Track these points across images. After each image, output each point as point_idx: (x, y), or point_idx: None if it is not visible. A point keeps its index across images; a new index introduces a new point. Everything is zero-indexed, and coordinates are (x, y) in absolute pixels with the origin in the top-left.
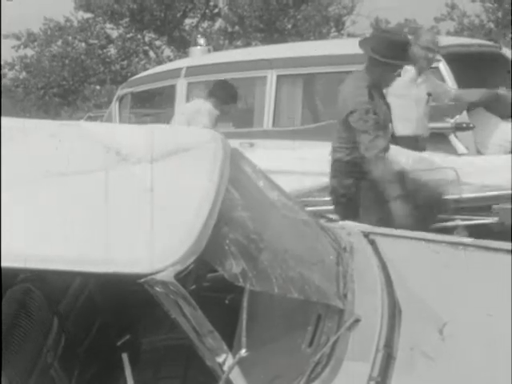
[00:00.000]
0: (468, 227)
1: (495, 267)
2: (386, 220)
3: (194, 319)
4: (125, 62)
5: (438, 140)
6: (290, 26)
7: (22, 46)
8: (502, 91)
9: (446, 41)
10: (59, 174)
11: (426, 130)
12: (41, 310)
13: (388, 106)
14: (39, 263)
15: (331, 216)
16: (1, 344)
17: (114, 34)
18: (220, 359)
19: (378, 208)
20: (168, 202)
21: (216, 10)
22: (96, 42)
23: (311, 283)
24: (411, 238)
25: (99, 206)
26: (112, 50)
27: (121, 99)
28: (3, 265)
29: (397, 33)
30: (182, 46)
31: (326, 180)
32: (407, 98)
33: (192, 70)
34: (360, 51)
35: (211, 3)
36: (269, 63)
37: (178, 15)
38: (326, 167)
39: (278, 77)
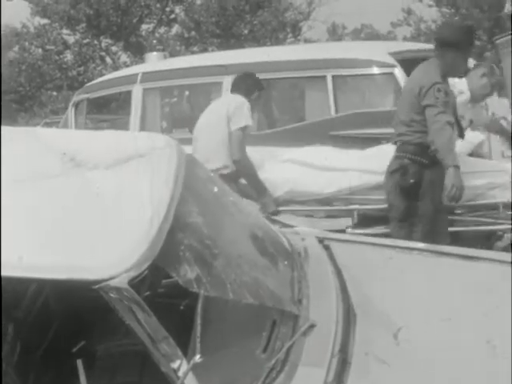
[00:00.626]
0: None
1: (450, 272)
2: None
3: (148, 325)
4: (81, 68)
5: None
6: (246, 32)
7: None
8: (504, 123)
9: (401, 46)
10: (14, 180)
11: None
12: None
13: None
14: None
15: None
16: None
17: (71, 39)
18: (174, 365)
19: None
20: (123, 208)
21: (172, 16)
22: (53, 47)
23: (266, 288)
24: (366, 244)
25: (54, 213)
26: (69, 56)
27: (77, 105)
28: None
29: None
30: (139, 51)
31: (375, 178)
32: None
33: (148, 76)
34: (316, 57)
35: (167, 9)
36: (224, 69)
37: (135, 21)
38: (377, 165)
39: None
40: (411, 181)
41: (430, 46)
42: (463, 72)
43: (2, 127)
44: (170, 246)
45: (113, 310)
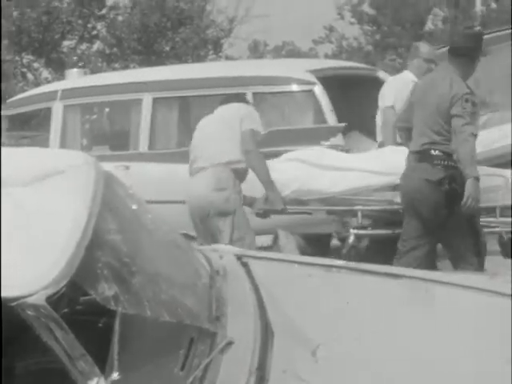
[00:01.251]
0: None
1: (369, 290)
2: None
3: (65, 342)
4: (3, 84)
5: None
6: (168, 49)
7: None
8: None
9: (322, 64)
10: None
11: None
12: None
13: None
14: None
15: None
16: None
17: None
18: (92, 382)
19: None
20: (40, 225)
21: (94, 32)
22: None
23: (184, 306)
24: (285, 261)
25: None
26: None
27: None
28: None
29: (473, 26)
30: (60, 68)
31: (381, 179)
32: None
33: (68, 93)
34: (236, 74)
35: (89, 25)
36: (145, 86)
37: (56, 37)
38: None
39: (154, 99)
40: (460, 189)
41: (351, 64)
42: (470, 77)
43: None
44: (88, 263)
45: (31, 327)
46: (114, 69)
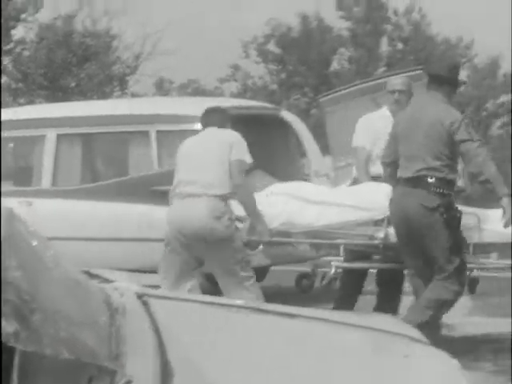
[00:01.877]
0: None
1: (268, 329)
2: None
3: None
4: None
5: None
6: (73, 85)
7: None
8: None
9: (226, 102)
10: None
11: None
12: None
13: None
14: None
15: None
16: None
17: None
18: None
19: None
20: None
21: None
22: None
23: (83, 344)
24: (185, 300)
25: None
26: None
27: None
28: None
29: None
30: None
31: (365, 214)
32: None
33: None
34: (140, 112)
35: None
36: (49, 122)
37: None
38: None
39: (58, 136)
40: (458, 215)
41: (254, 103)
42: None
43: None
44: None
45: None
46: (20, 104)
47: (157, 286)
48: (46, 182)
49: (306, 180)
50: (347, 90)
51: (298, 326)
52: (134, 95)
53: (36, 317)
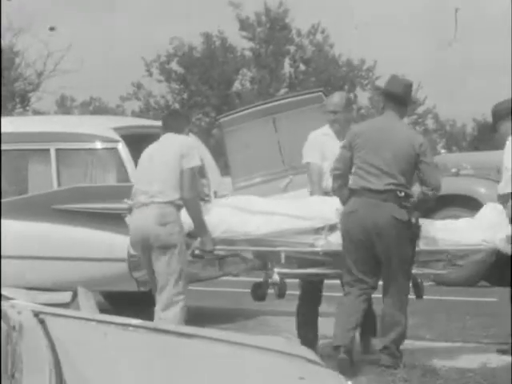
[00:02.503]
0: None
1: (164, 349)
2: None
3: None
4: None
5: None
6: None
7: None
8: None
9: (126, 122)
10: None
11: None
12: None
13: None
14: None
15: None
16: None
17: None
18: None
19: None
20: None
21: None
22: None
23: None
24: (82, 319)
25: None
26: None
27: None
28: None
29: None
30: None
31: (309, 223)
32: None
33: None
34: (40, 129)
35: None
36: None
37: None
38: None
39: None
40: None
41: (155, 122)
42: None
43: None
44: None
45: None
46: None
47: (54, 304)
48: None
49: (205, 201)
50: (248, 111)
51: (195, 345)
52: (35, 112)
53: None
